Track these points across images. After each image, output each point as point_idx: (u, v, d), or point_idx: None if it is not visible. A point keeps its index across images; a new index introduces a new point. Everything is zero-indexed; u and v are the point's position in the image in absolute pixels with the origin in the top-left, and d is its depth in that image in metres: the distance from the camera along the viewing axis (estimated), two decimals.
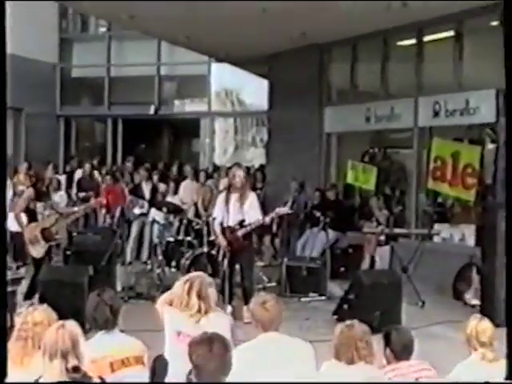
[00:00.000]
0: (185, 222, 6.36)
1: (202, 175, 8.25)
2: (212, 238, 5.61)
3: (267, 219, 4.66)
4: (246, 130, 12.25)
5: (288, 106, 8.24)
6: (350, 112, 7.67)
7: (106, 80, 11.22)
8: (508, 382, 1.04)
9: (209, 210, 6.65)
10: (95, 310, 2.19)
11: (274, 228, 7.39)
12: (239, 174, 4.72)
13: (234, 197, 4.72)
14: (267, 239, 7.90)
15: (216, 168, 10.04)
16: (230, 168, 8.23)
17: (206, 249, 5.81)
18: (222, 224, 4.70)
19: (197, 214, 6.97)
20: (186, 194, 7.66)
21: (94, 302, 2.22)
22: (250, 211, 4.71)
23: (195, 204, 7.15)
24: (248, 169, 8.46)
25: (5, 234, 0.72)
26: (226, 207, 4.62)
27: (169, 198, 7.36)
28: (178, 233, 6.36)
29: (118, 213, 7.00)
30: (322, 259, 6.04)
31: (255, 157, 11.41)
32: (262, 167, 9.76)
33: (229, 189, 4.73)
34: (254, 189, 8.38)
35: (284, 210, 4.85)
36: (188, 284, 2.49)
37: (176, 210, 6.37)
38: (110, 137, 11.35)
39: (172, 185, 7.75)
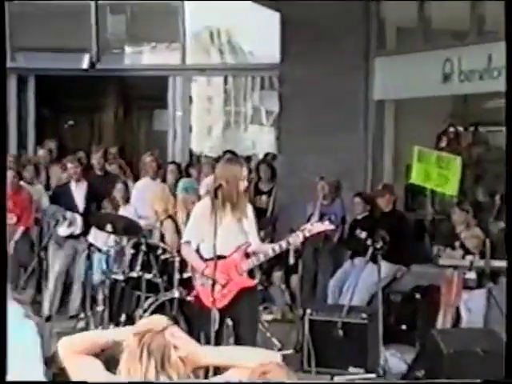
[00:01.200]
0: (143, 248, 6.45)
1: (171, 171, 8.22)
2: (188, 274, 5.79)
3: (299, 239, 4.82)
4: (243, 96, 12.40)
5: (312, 58, 8.35)
6: (417, 66, 7.70)
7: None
8: (508, 381, 1.25)
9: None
10: None
11: (291, 258, 7.43)
12: (233, 172, 4.84)
13: (226, 208, 4.86)
14: (278, 276, 7.94)
15: (194, 159, 10.21)
16: (216, 160, 7.94)
17: (177, 293, 5.99)
18: (198, 251, 4.92)
19: (163, 238, 7.06)
20: (143, 202, 7.82)
21: None
22: (251, 235, 4.93)
23: (162, 221, 7.25)
24: (247, 160, 8.66)
25: (5, 234, 0.94)
26: (210, 225, 4.72)
27: (120, 211, 7.50)
28: (131, 266, 6.48)
29: (17, 236, 7.02)
30: (369, 310, 6.16)
31: (258, 141, 11.64)
32: (269, 158, 9.82)
33: (215, 194, 4.80)
34: (257, 193, 8.64)
35: (322, 225, 4.96)
36: (141, 346, 2.48)
37: (129, 230, 6.50)
38: (14, 107, 11.21)
39: (120, 186, 7.79)
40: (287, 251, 6.85)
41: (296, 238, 4.83)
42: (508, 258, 1.52)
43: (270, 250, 4.87)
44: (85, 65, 10.63)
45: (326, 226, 4.96)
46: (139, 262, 6.43)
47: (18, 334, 1.22)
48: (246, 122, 12.45)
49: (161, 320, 2.58)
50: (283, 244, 4.83)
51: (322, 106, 8.26)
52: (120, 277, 6.33)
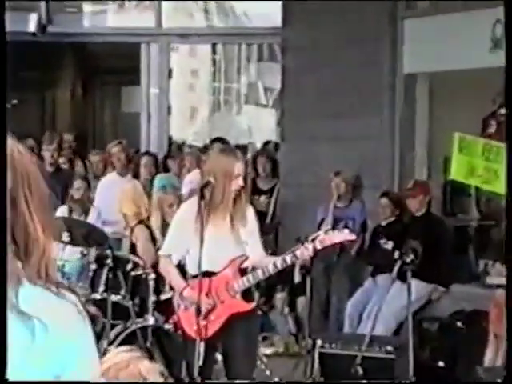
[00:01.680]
0: (109, 262, 6.51)
1: (144, 165, 8.28)
2: (166, 295, 5.90)
3: (307, 251, 4.86)
4: (236, 69, 12.42)
5: (323, 20, 8.31)
6: (457, 29, 7.61)
7: None
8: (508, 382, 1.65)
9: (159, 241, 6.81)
10: None
11: (297, 275, 7.53)
12: (226, 166, 4.93)
13: (216, 212, 4.95)
14: (281, 298, 8.00)
15: (174, 149, 10.21)
16: (203, 150, 7.80)
17: (151, 320, 6.06)
18: (180, 265, 5.09)
19: (135, 248, 7.11)
20: (109, 204, 7.92)
21: None
22: (249, 241, 5.03)
23: (132, 228, 7.26)
24: (242, 150, 8.30)
25: (5, 233, 1.35)
26: (196, 233, 4.85)
27: (76, 214, 7.67)
28: (93, 286, 6.55)
29: None
30: (396, 342, 6.29)
31: (256, 126, 11.69)
32: (269, 148, 9.99)
33: (202, 194, 4.87)
34: (254, 192, 8.70)
35: (338, 234, 5.02)
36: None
37: (91, 239, 6.66)
38: None
39: (79, 184, 7.88)
40: (292, 267, 6.77)
41: (304, 251, 4.84)
42: (507, 257, 1.78)
43: (270, 265, 4.90)
44: (32, 27, 10.60)
45: (343, 234, 5.01)
46: (103, 280, 6.49)
47: None
48: (239, 102, 12.55)
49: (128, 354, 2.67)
50: (288, 258, 4.86)
51: (336, 81, 8.26)
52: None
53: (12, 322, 1.39)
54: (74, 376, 1.46)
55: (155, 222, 6.88)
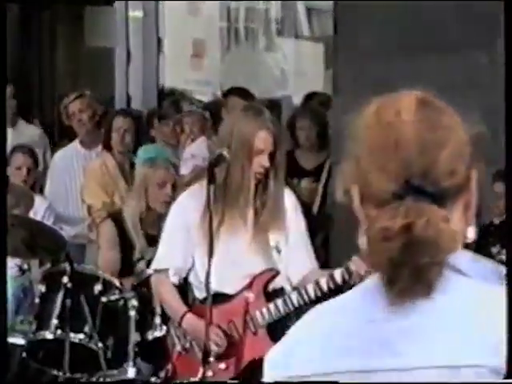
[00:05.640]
0: (66, 283, 6.54)
1: (121, 129, 8.38)
2: (157, 333, 6.11)
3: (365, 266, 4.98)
4: None
5: None
6: None
7: None
8: (508, 381, 2.03)
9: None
10: None
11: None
12: (249, 132, 5.12)
13: (233, 205, 5.16)
14: None
15: (167, 105, 10.30)
16: (213, 105, 7.85)
17: (132, 371, 6.19)
18: (182, 284, 5.34)
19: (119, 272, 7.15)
20: (67, 188, 8.24)
21: None
22: (291, 251, 5.24)
23: (97, 225, 7.44)
24: (274, 107, 8.56)
25: (5, 232, 1.72)
26: (203, 236, 5.04)
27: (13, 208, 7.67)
28: (40, 319, 6.64)
29: None
30: None
31: (294, 70, 11.81)
32: (314, 104, 10.03)
33: (212, 176, 4.92)
34: (294, 172, 8.65)
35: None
36: None
37: (35, 244, 6.67)
38: None
39: (20, 160, 8.04)
40: (348, 287, 6.80)
41: (361, 263, 5.03)
42: (508, 257, 2.00)
43: (311, 285, 5.10)
44: None
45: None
46: (57, 309, 6.54)
47: None
48: (268, 32, 12.31)
49: None
50: (337, 274, 5.09)
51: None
52: (19, 340, 6.56)
53: None
54: None
55: (134, 211, 6.91)
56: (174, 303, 5.27)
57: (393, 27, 8.50)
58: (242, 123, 5.11)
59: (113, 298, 6.49)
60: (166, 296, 5.31)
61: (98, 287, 6.51)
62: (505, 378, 2.05)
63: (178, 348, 5.15)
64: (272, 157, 5.11)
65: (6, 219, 1.16)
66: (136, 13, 10.65)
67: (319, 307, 2.25)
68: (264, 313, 5.09)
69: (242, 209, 5.10)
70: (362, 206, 2.08)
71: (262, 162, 4.99)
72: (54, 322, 6.43)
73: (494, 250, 7.32)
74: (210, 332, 4.87)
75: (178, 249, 5.23)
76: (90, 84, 9.97)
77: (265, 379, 2.18)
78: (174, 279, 5.25)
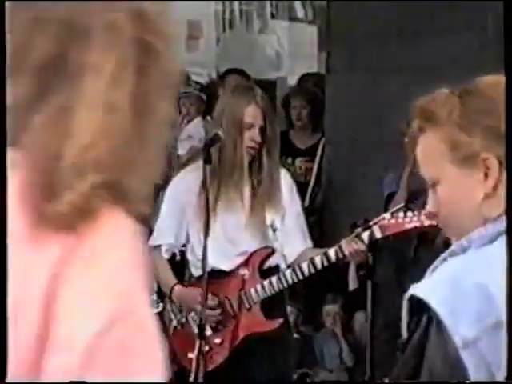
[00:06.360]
0: None
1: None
2: (156, 309, 6.02)
3: (357, 245, 5.02)
4: None
5: None
6: None
7: None
8: (508, 382, 2.09)
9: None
10: None
11: (352, 280, 7.60)
12: (244, 112, 5.13)
13: (229, 183, 5.15)
14: (329, 315, 8.03)
15: None
16: (209, 87, 8.01)
17: None
18: (175, 257, 5.42)
19: None
20: None
21: None
22: (286, 230, 5.25)
23: None
24: (269, 87, 8.65)
25: (5, 233, 1.69)
26: (200, 214, 5.09)
27: None
28: None
29: None
30: None
31: (289, 52, 11.71)
32: (309, 84, 9.98)
33: (207, 157, 4.97)
34: (288, 151, 8.68)
35: (419, 218, 5.16)
36: None
37: None
38: None
39: None
40: (345, 267, 6.89)
41: (353, 243, 5.01)
42: (508, 257, 2.23)
43: (305, 262, 5.09)
44: None
45: (421, 218, 5.01)
46: None
47: None
48: (263, 15, 12.35)
49: None
50: (331, 252, 5.05)
51: None
52: None
53: None
54: None
55: None
56: (164, 276, 5.30)
57: (386, 10, 8.43)
58: (232, 100, 5.19)
59: None
60: (158, 271, 5.29)
61: None
62: (505, 379, 2.12)
63: (174, 323, 5.19)
64: (263, 132, 5.13)
65: (6, 219, 1.23)
66: None
67: None
68: (258, 290, 5.11)
69: (237, 184, 5.13)
70: None
71: (252, 136, 5.03)
72: None
73: None
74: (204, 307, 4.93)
75: (170, 227, 5.27)
76: None
77: None
78: (166, 255, 5.31)
